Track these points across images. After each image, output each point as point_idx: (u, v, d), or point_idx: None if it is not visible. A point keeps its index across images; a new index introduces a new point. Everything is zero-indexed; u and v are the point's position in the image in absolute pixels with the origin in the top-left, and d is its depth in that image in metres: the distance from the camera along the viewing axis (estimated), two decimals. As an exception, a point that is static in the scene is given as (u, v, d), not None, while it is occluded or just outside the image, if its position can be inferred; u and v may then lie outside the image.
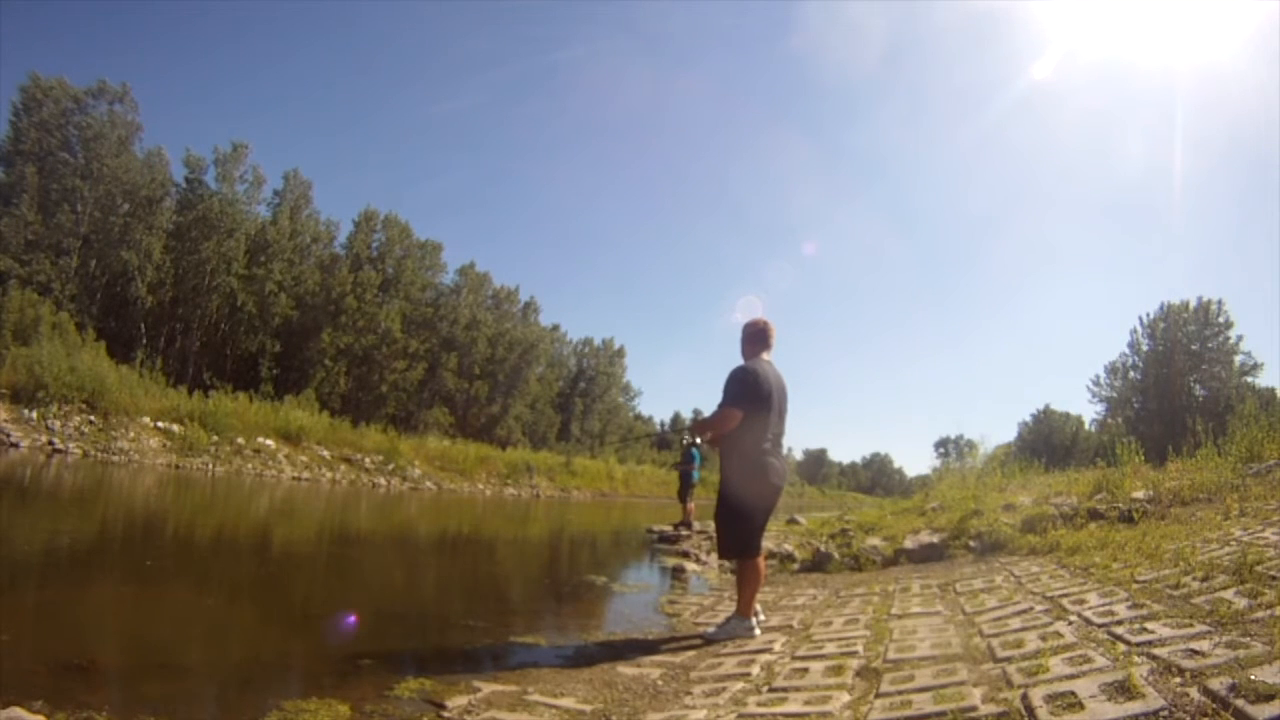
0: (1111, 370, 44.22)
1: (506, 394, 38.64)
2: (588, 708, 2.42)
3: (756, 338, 3.84)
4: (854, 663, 2.61)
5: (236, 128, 73.51)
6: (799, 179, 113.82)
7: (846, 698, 2.21)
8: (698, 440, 3.90)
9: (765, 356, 3.80)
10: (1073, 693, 1.83)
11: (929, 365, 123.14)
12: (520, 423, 39.20)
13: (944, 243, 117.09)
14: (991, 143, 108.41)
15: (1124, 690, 1.77)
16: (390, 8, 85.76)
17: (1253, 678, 1.66)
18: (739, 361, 3.83)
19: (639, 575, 6.79)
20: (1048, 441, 47.57)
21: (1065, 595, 3.15)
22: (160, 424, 15.22)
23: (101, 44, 45.33)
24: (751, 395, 3.60)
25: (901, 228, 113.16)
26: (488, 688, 2.60)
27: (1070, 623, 2.63)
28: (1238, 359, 39.85)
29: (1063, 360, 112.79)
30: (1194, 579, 2.85)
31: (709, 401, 3.90)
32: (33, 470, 10.35)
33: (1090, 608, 2.79)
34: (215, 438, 15.57)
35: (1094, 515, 5.39)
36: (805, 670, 2.64)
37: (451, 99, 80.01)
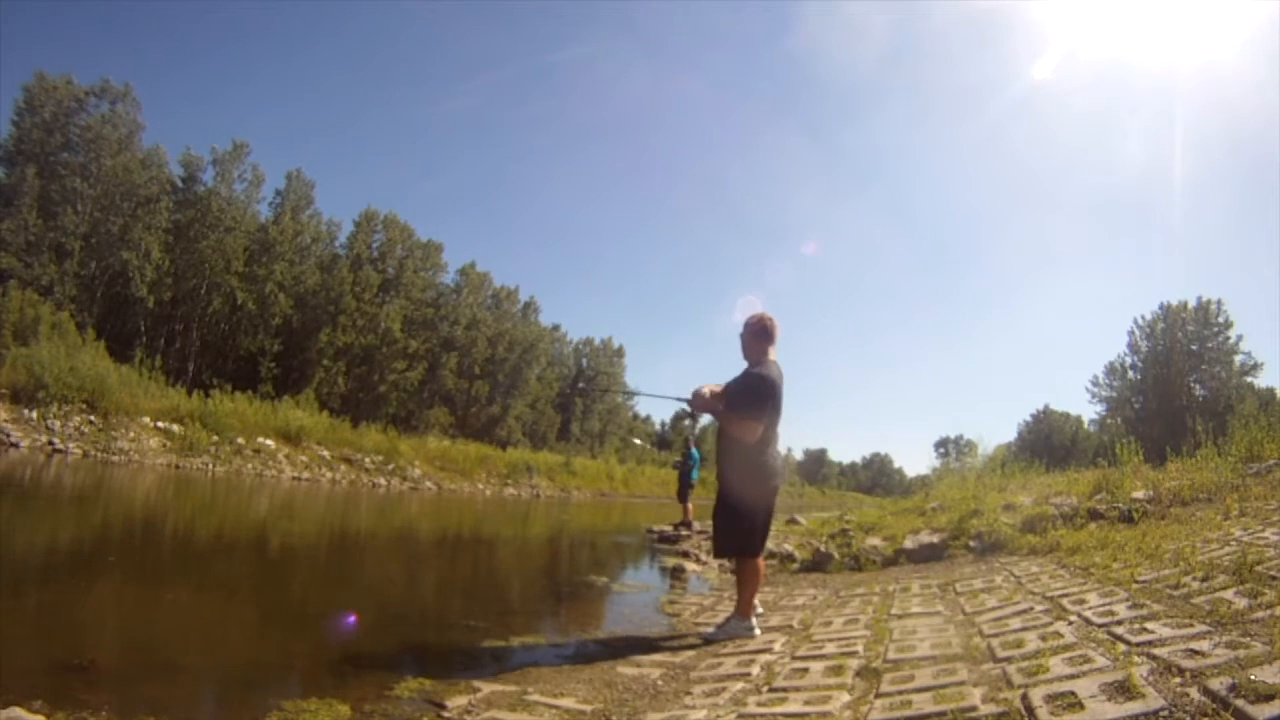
0: (1111, 370, 44.26)
1: (506, 394, 38.64)
2: (588, 708, 2.42)
3: (762, 334, 3.74)
4: (854, 663, 2.61)
5: (238, 127, 73.42)
6: (799, 179, 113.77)
7: (846, 698, 2.21)
8: (698, 417, 3.82)
9: (772, 355, 3.73)
10: (1073, 693, 1.83)
11: (929, 365, 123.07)
12: (520, 423, 39.20)
13: (944, 243, 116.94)
14: (991, 143, 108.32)
15: (1124, 690, 1.77)
16: (390, 8, 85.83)
17: (1253, 678, 1.66)
18: (740, 361, 3.80)
19: (639, 575, 6.79)
20: (1048, 441, 47.63)
21: (1065, 595, 3.14)
22: (160, 424, 15.21)
23: (102, 44, 45.36)
24: (771, 408, 3.60)
25: (901, 227, 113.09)
26: (488, 688, 2.60)
27: (1070, 623, 2.63)
28: (1238, 359, 39.91)
29: (1063, 360, 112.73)
30: (1194, 579, 2.85)
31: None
32: (33, 470, 10.35)
33: (1090, 608, 2.79)
34: (215, 438, 15.56)
35: (1094, 515, 5.38)
36: (805, 670, 2.64)
37: (452, 99, 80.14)
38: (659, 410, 64.14)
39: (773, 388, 3.60)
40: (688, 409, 3.74)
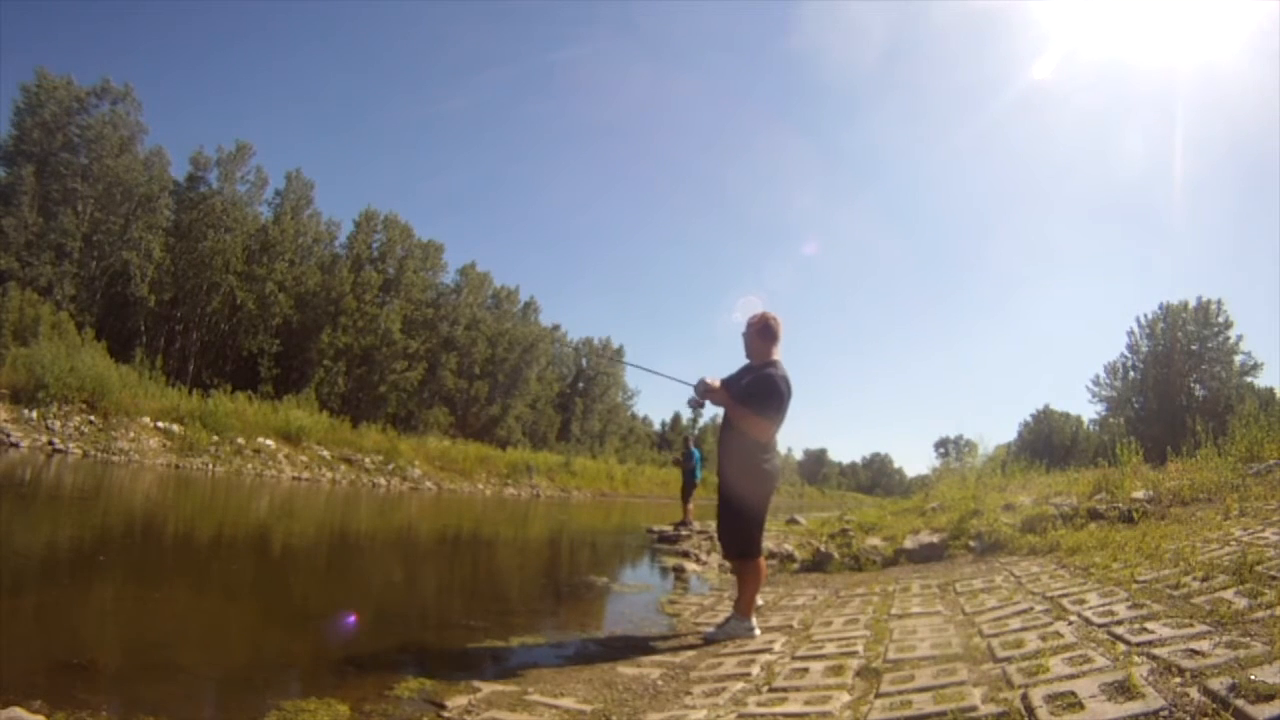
0: (1111, 370, 44.21)
1: (506, 394, 38.63)
2: (588, 708, 2.42)
3: (766, 333, 3.73)
4: (854, 663, 2.61)
5: (238, 127, 73.49)
6: (798, 179, 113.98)
7: (846, 698, 2.21)
8: (699, 413, 3.78)
9: (776, 353, 3.73)
10: (1073, 693, 1.83)
11: (929, 365, 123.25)
12: (520, 423, 39.19)
13: (944, 242, 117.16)
14: (991, 143, 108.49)
15: (1124, 690, 1.77)
16: (390, 8, 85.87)
17: (1253, 678, 1.66)
18: (740, 360, 3.81)
19: (639, 575, 6.79)
20: (1048, 441, 47.60)
21: (1065, 595, 3.14)
22: (160, 424, 15.21)
23: (103, 44, 45.32)
24: (783, 410, 3.62)
25: (901, 227, 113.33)
26: (488, 688, 2.60)
27: (1070, 623, 2.63)
28: (1238, 359, 39.84)
29: (1063, 360, 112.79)
30: (1194, 579, 2.85)
31: (708, 402, 3.85)
32: (33, 470, 10.34)
33: (1090, 608, 2.79)
34: (215, 438, 15.56)
35: (1094, 515, 5.38)
36: (805, 670, 2.64)
37: (452, 99, 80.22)
38: (658, 410, 64.00)
39: (789, 390, 3.62)
40: (693, 396, 3.72)
